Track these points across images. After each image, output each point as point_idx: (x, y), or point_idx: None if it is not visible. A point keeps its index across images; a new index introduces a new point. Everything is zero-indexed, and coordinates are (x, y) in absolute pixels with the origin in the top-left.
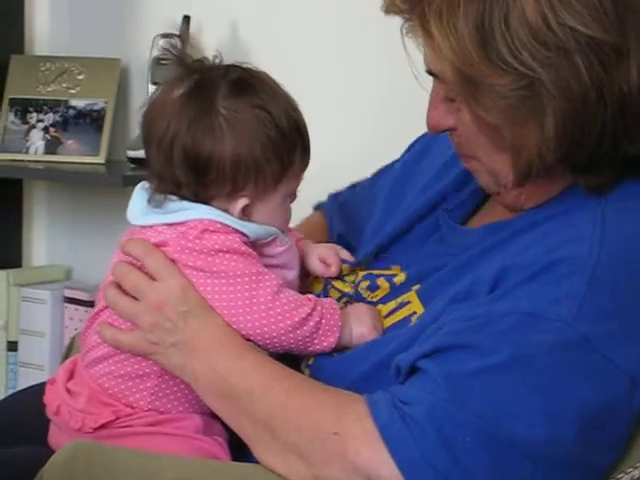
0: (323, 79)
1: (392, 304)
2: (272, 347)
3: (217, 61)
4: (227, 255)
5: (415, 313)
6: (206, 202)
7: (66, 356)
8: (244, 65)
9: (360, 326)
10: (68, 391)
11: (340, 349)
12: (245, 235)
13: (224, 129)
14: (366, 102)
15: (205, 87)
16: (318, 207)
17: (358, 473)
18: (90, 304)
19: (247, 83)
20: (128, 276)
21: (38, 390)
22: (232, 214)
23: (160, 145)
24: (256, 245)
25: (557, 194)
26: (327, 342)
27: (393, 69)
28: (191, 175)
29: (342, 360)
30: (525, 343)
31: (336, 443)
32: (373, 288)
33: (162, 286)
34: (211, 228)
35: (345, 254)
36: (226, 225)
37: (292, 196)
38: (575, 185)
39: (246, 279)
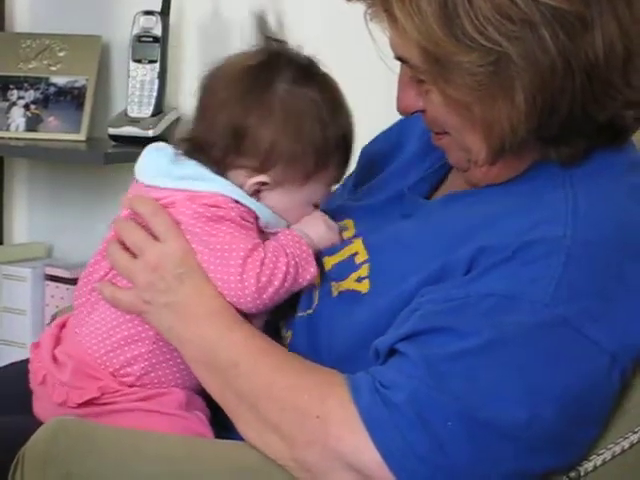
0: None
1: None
2: (267, 309)
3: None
4: (227, 223)
5: (357, 254)
6: (227, 170)
7: None
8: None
9: (316, 231)
10: (54, 359)
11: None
12: (256, 216)
13: (276, 109)
14: (348, 81)
15: (273, 65)
16: None
17: (339, 459)
18: (71, 282)
19: (315, 79)
20: (131, 233)
21: (22, 366)
22: (245, 186)
23: (209, 103)
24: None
25: (523, 170)
26: (310, 275)
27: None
28: (227, 140)
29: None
30: (504, 325)
31: (317, 427)
32: None
33: (163, 247)
34: (223, 205)
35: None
36: (239, 203)
37: (315, 205)
38: (541, 161)
39: (241, 254)
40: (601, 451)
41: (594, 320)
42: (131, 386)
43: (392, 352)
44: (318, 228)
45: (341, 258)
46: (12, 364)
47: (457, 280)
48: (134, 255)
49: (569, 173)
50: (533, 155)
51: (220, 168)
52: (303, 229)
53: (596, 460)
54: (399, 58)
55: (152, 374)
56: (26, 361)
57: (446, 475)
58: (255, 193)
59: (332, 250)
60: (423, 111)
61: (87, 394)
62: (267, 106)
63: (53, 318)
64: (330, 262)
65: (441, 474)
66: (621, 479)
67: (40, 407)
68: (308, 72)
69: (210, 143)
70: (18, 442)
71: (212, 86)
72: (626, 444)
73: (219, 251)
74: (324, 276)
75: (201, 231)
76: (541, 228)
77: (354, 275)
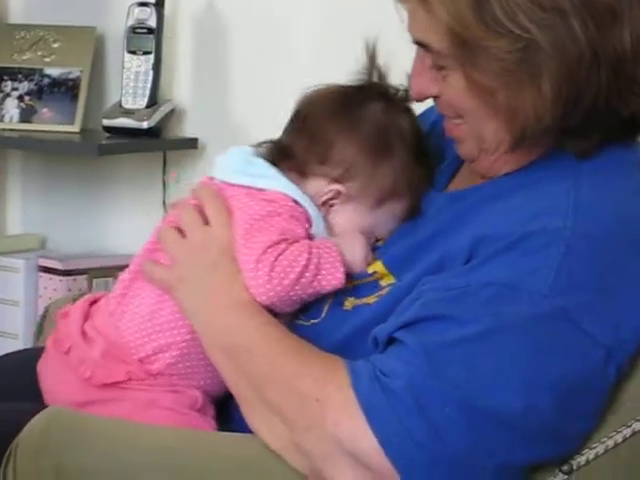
0: (301, 53)
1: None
2: (287, 307)
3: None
4: (275, 219)
5: (382, 278)
6: (306, 177)
7: (40, 325)
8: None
9: (352, 253)
10: (83, 333)
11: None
12: (309, 221)
13: (366, 125)
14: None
15: (370, 90)
16: None
17: (337, 444)
18: (64, 273)
19: (407, 113)
20: (186, 215)
21: (17, 356)
22: (321, 193)
23: (301, 116)
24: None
25: (531, 162)
26: (336, 280)
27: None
28: (313, 148)
29: (314, 329)
30: (503, 314)
31: (316, 411)
32: None
33: (210, 231)
34: (280, 202)
35: None
36: (297, 203)
37: (372, 238)
38: (550, 153)
39: (266, 244)
40: (594, 445)
41: (591, 313)
42: (157, 374)
43: (391, 341)
44: (356, 251)
45: (365, 281)
46: (7, 354)
47: (457, 269)
48: (185, 237)
49: (576, 166)
50: (543, 147)
51: (299, 174)
52: (341, 245)
53: (589, 454)
54: (418, 42)
55: (180, 365)
56: (21, 352)
57: (444, 463)
58: (326, 205)
59: (357, 276)
60: (436, 97)
61: (114, 376)
62: (358, 122)
63: (46, 310)
64: (353, 282)
65: (439, 462)
66: (614, 473)
67: (54, 372)
68: (403, 104)
69: (295, 150)
70: (12, 432)
71: (306, 102)
72: (619, 438)
73: (250, 241)
74: (341, 290)
75: (246, 221)
76: (542, 219)
77: (377, 293)
